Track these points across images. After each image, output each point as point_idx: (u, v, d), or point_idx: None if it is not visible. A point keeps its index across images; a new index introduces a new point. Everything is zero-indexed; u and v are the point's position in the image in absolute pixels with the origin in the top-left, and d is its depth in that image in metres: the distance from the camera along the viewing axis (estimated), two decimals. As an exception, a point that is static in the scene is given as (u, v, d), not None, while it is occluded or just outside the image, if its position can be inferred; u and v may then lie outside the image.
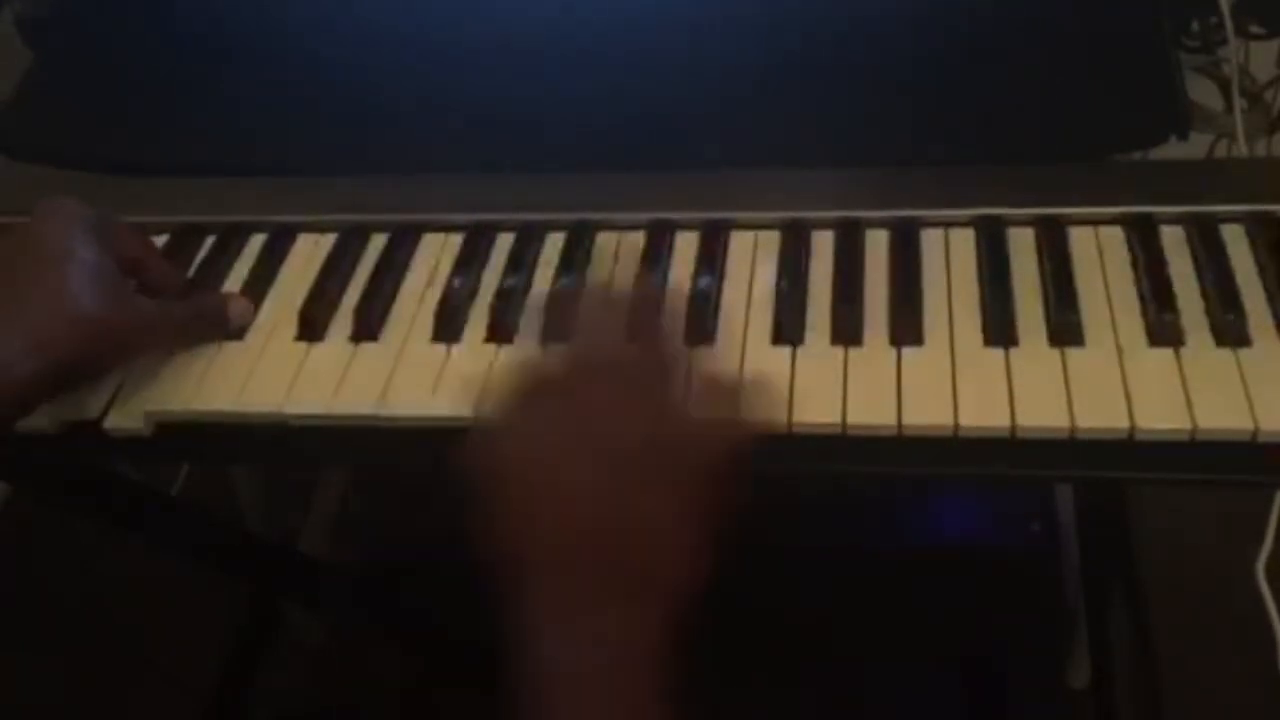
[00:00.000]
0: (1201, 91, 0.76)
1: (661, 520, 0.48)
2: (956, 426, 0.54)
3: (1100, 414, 0.54)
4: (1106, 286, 0.60)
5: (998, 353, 0.57)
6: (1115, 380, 0.55)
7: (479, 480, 0.48)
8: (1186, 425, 0.53)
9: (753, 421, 0.53)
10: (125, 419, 0.60)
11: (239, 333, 0.64)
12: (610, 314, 0.54)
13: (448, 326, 0.62)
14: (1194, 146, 0.71)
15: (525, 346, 0.61)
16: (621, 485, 0.47)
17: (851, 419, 0.55)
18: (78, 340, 0.54)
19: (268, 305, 0.65)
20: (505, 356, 0.60)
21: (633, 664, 0.46)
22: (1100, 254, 0.62)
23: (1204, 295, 0.59)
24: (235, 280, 0.67)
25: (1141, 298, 0.59)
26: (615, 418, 0.49)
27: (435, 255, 0.67)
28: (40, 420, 0.59)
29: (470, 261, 0.66)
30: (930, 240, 0.64)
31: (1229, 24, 0.72)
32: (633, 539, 0.47)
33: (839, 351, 0.58)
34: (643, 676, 0.46)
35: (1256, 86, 0.77)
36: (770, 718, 1.19)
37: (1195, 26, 0.75)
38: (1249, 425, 0.53)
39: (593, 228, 0.67)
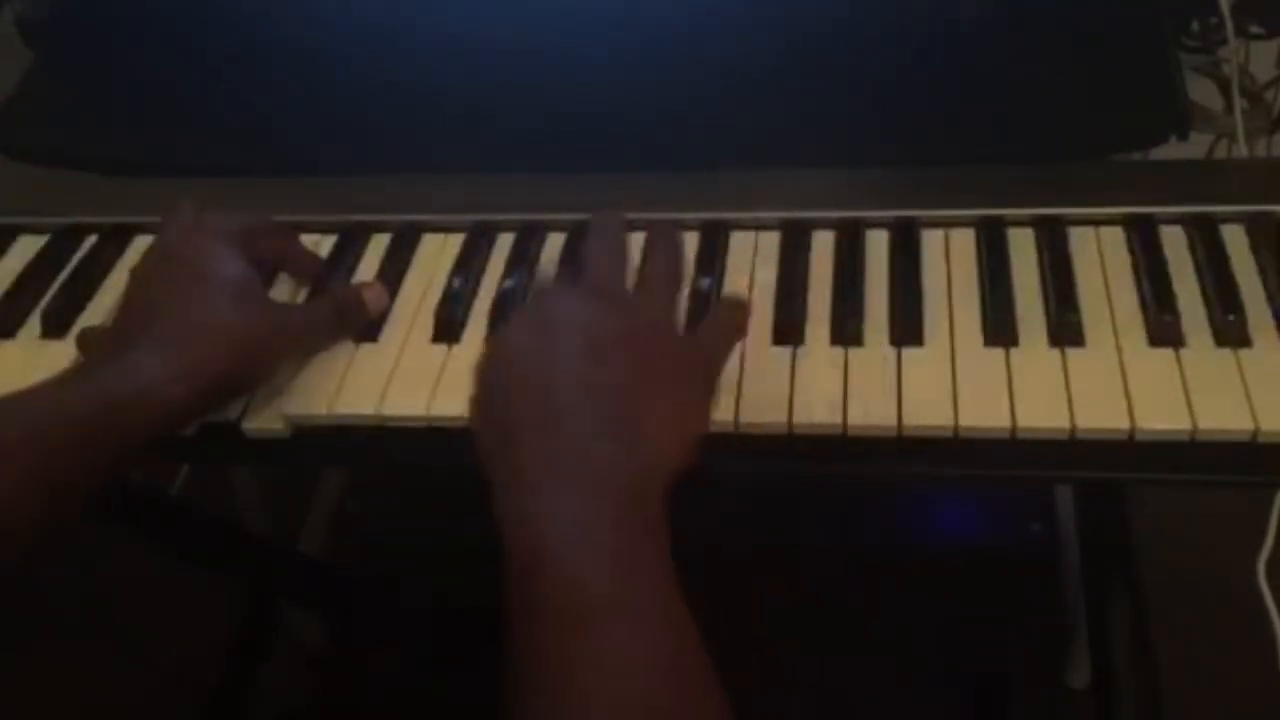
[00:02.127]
0: (1201, 91, 0.76)
1: (638, 389, 0.49)
2: (956, 426, 0.54)
3: (1100, 414, 0.54)
4: (1106, 286, 0.60)
5: (998, 353, 0.57)
6: (1115, 380, 0.55)
7: (479, 373, 0.51)
8: (1186, 425, 0.53)
9: (728, 341, 0.55)
10: (265, 421, 0.58)
11: (378, 322, 0.63)
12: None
13: (448, 326, 0.62)
14: (1194, 146, 0.71)
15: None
16: (595, 362, 0.49)
17: (852, 419, 0.55)
18: (226, 362, 0.55)
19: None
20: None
21: (622, 506, 0.46)
22: (1100, 254, 0.62)
23: (1204, 295, 0.59)
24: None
25: (1141, 298, 0.59)
26: (590, 317, 0.51)
27: (435, 255, 0.67)
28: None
29: (470, 261, 0.66)
30: (930, 240, 0.64)
31: (1229, 24, 0.72)
32: (614, 399, 0.48)
33: (839, 351, 0.58)
34: (636, 518, 0.46)
35: (1256, 86, 0.77)
36: (769, 717, 1.19)
37: (1195, 26, 0.75)
38: (1249, 425, 0.53)
39: (593, 228, 0.67)
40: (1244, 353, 0.56)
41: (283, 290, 0.66)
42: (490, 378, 0.51)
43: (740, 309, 0.57)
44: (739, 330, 0.56)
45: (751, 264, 0.64)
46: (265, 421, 0.58)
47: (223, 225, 0.60)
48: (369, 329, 0.63)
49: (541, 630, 0.43)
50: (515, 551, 0.44)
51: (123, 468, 0.55)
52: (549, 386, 0.49)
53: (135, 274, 0.60)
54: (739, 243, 0.65)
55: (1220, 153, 0.80)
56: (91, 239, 0.70)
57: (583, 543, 0.44)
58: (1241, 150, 0.74)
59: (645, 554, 0.45)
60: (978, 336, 0.58)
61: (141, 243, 0.70)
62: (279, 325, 0.59)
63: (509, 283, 0.64)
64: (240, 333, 0.56)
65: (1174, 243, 0.62)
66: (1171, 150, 0.69)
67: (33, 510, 0.51)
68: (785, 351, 0.59)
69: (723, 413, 0.56)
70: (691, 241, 0.65)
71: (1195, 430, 0.53)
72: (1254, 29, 0.74)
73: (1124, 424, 0.53)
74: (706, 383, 0.53)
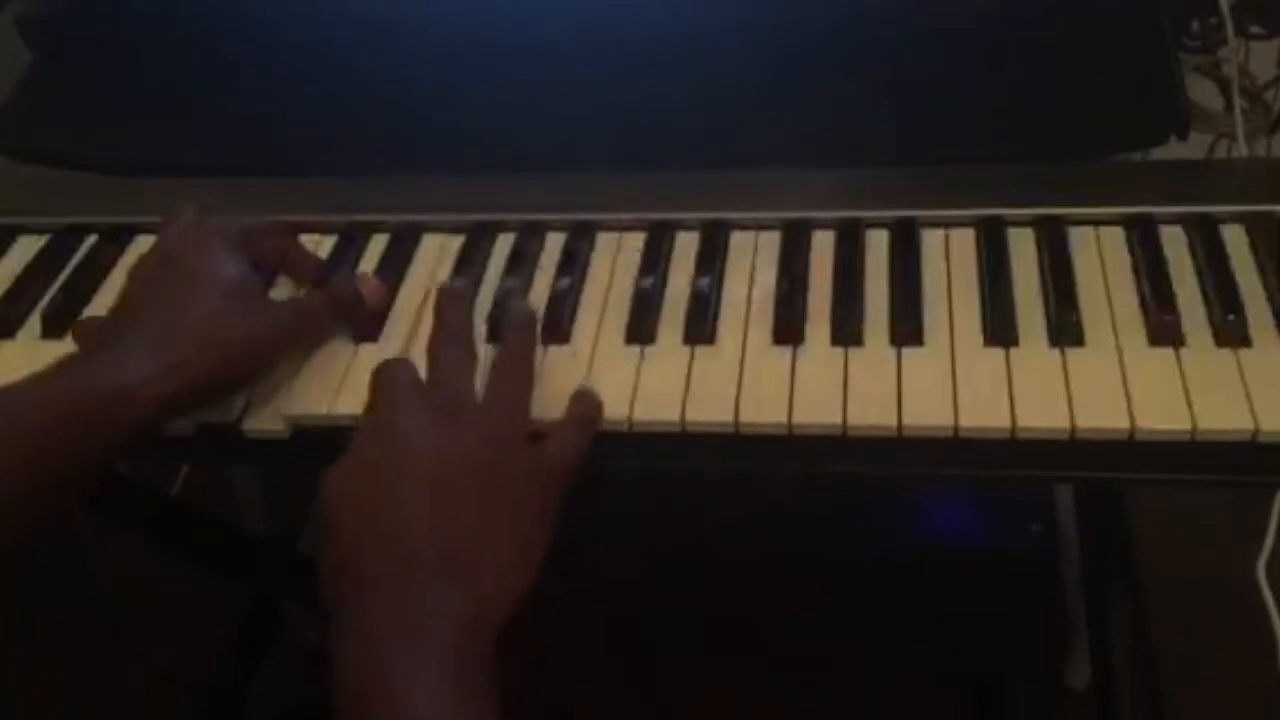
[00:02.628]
0: (1201, 91, 0.76)
1: (485, 527, 0.50)
2: (956, 426, 0.54)
3: (1100, 414, 0.54)
4: (1106, 286, 0.60)
5: (998, 353, 0.57)
6: (1115, 380, 0.55)
7: (329, 502, 0.51)
8: (1186, 425, 0.53)
9: (583, 422, 0.56)
10: (264, 421, 0.59)
11: (378, 317, 0.63)
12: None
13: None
14: (1194, 146, 0.71)
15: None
16: (442, 497, 0.50)
17: (851, 419, 0.55)
18: (216, 359, 0.55)
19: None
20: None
21: (461, 667, 0.47)
22: (1100, 254, 0.62)
23: (1204, 295, 0.59)
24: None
25: (1141, 298, 0.59)
26: (438, 443, 0.52)
27: (435, 255, 0.67)
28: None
29: (470, 261, 0.66)
30: (930, 240, 0.64)
31: (1229, 24, 0.72)
32: (460, 541, 0.49)
33: (839, 351, 0.58)
34: (474, 678, 0.47)
35: (1256, 86, 0.77)
36: (770, 717, 1.19)
37: (1195, 26, 0.75)
38: (1249, 425, 0.53)
39: (593, 228, 0.67)
40: (1244, 353, 0.56)
41: (283, 291, 0.66)
42: (340, 511, 0.51)
43: (592, 402, 0.56)
44: (592, 423, 0.56)
45: (751, 264, 0.64)
46: (264, 422, 0.58)
47: (221, 226, 0.60)
48: (369, 329, 0.63)
49: None
50: (348, 693, 0.45)
51: (112, 461, 0.55)
52: (396, 530, 0.49)
53: (133, 272, 0.60)
54: (739, 243, 0.65)
55: (1220, 153, 0.80)
56: (91, 239, 0.70)
57: (416, 695, 0.45)
58: (1241, 150, 0.74)
59: (478, 704, 0.46)
60: (978, 336, 0.58)
61: (142, 243, 0.70)
62: (273, 323, 0.59)
63: (509, 283, 0.64)
64: (232, 331, 0.56)
65: (1174, 243, 0.62)
66: (1171, 150, 0.69)
67: (20, 503, 0.51)
68: (785, 351, 0.59)
69: (723, 413, 0.56)
70: (691, 241, 0.65)
71: (1195, 430, 0.53)
72: (1254, 29, 0.74)
73: (1124, 424, 0.53)
74: (553, 495, 0.53)
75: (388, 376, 0.56)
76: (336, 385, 0.60)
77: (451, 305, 0.59)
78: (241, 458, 0.63)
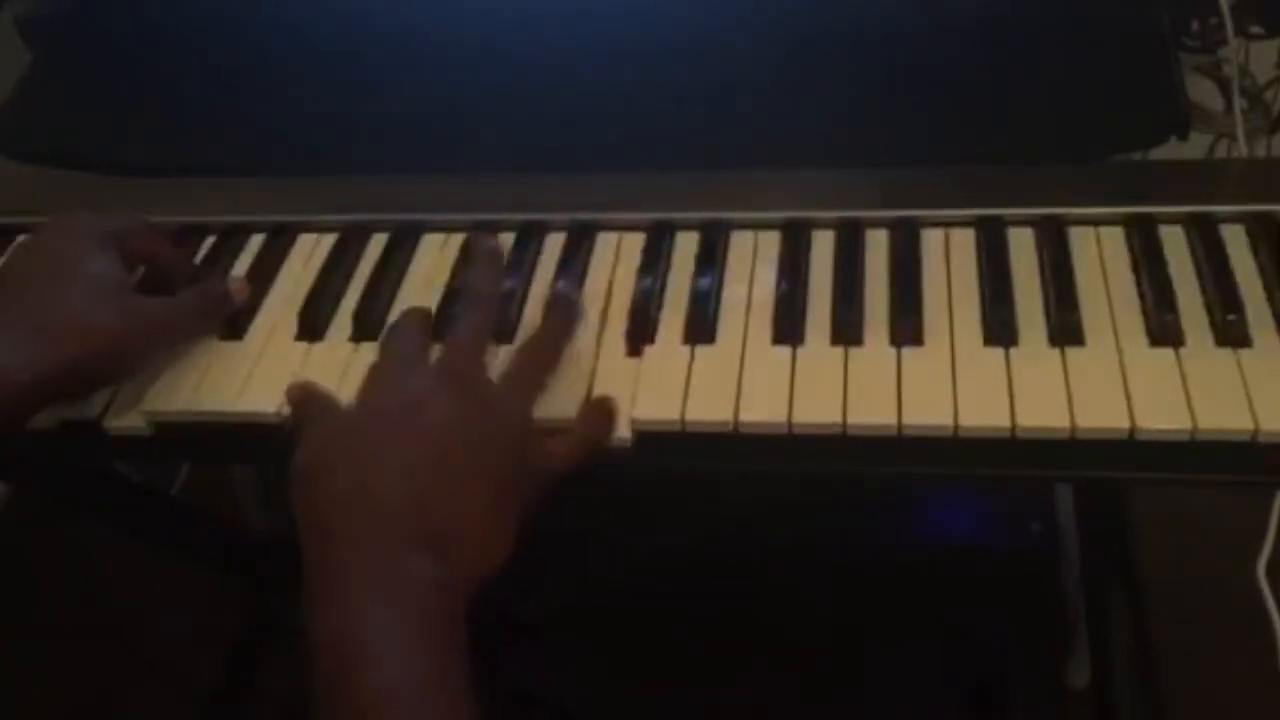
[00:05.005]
0: (1201, 91, 0.76)
1: (465, 501, 0.50)
2: (956, 426, 0.54)
3: (1100, 414, 0.54)
4: (1106, 286, 0.60)
5: (998, 353, 0.57)
6: (1115, 380, 0.55)
7: (303, 455, 0.52)
8: (1186, 425, 0.53)
9: (588, 441, 0.56)
10: (125, 419, 0.60)
11: (244, 317, 0.64)
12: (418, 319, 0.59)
13: (448, 327, 0.62)
14: (1194, 146, 0.71)
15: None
16: (428, 465, 0.50)
17: (851, 418, 0.55)
18: (79, 351, 0.56)
19: (268, 305, 0.65)
20: (506, 356, 0.61)
21: (431, 624, 0.47)
22: (1100, 254, 0.62)
23: (1204, 295, 0.59)
24: (235, 280, 0.67)
25: (1141, 298, 0.59)
26: (435, 409, 0.52)
27: (435, 255, 0.67)
28: (40, 418, 0.59)
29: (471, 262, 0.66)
30: (930, 240, 0.64)
31: (1229, 24, 0.72)
32: (441, 508, 0.50)
33: (839, 351, 0.58)
34: (444, 636, 0.47)
35: (1256, 86, 0.77)
36: (769, 717, 1.19)
37: (1195, 26, 0.75)
38: (1249, 425, 0.53)
39: (593, 228, 0.67)
40: (1244, 353, 0.56)
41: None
42: (323, 454, 0.52)
43: (607, 422, 0.56)
44: (601, 443, 0.56)
45: (751, 264, 0.64)
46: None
47: (91, 224, 0.61)
48: (366, 328, 0.63)
49: None
50: (325, 654, 0.46)
51: None
52: (375, 485, 0.50)
53: (2, 268, 0.61)
54: (739, 243, 0.65)
55: (1220, 153, 0.80)
56: (91, 239, 0.70)
57: (391, 658, 0.45)
58: (1241, 150, 0.74)
59: (449, 668, 0.46)
60: (978, 336, 0.58)
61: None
62: (138, 319, 0.59)
63: (509, 282, 0.64)
64: (93, 326, 0.56)
65: (1174, 243, 0.62)
66: (1171, 150, 0.69)
67: None
68: (785, 351, 0.59)
69: (722, 413, 0.56)
70: (691, 241, 0.65)
71: (1195, 430, 0.53)
72: (1254, 29, 0.74)
73: (1124, 424, 0.53)
74: (538, 494, 0.54)
75: (399, 333, 0.57)
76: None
77: (484, 266, 0.61)
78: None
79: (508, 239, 0.67)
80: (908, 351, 0.58)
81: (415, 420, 0.52)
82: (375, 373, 0.56)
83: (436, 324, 0.61)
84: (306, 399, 0.57)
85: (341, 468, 0.51)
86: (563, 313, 0.60)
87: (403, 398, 0.53)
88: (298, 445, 0.53)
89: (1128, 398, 0.54)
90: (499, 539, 0.51)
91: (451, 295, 0.64)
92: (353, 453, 0.51)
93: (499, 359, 0.58)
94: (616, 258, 0.65)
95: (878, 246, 0.64)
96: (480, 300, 0.59)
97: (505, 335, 0.61)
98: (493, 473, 0.51)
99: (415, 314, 0.60)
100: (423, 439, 0.51)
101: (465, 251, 0.66)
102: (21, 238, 0.70)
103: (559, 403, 0.57)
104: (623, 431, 0.56)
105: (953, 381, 0.56)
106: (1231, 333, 0.56)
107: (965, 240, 0.64)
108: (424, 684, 0.45)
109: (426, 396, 0.52)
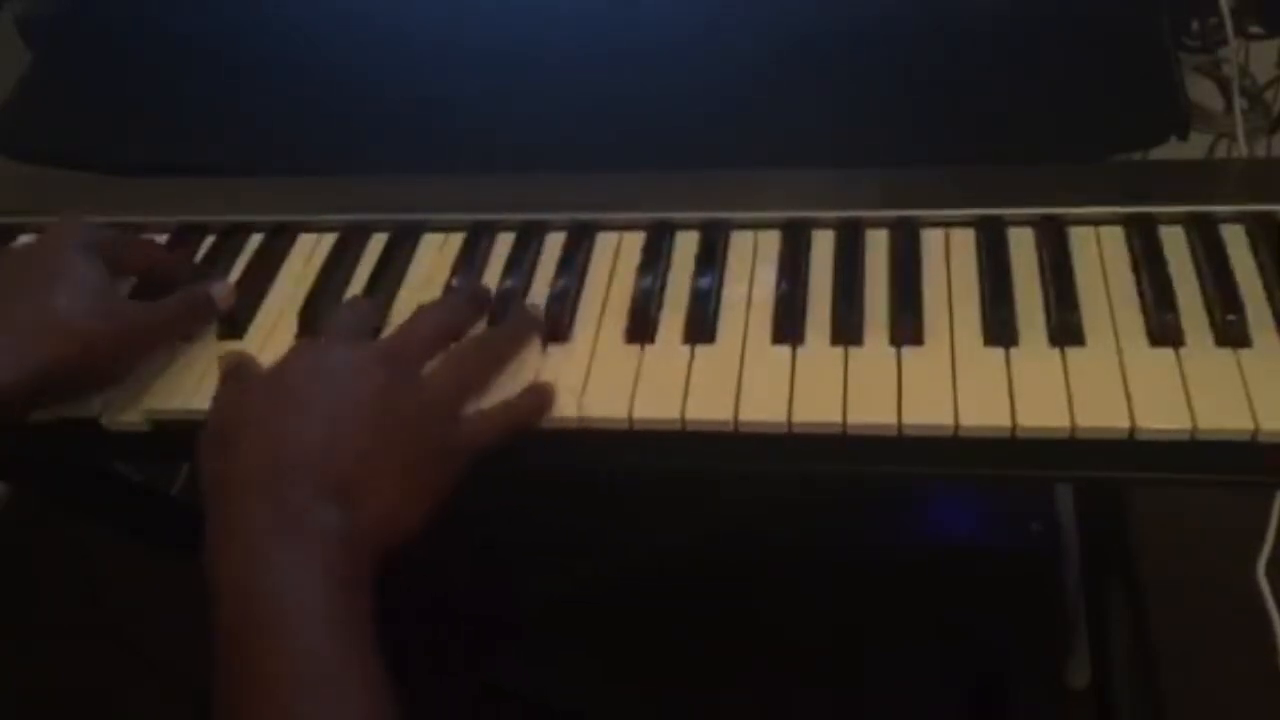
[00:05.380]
0: (1201, 91, 0.76)
1: (375, 460, 0.51)
2: (956, 426, 0.54)
3: (1100, 414, 0.54)
4: (1106, 286, 0.60)
5: (998, 353, 0.57)
6: (1115, 380, 0.55)
7: (216, 411, 0.54)
8: (1186, 425, 0.53)
9: (513, 422, 0.56)
10: (124, 417, 0.60)
11: (244, 317, 0.64)
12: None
13: (410, 318, 0.62)
14: (1194, 146, 0.71)
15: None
16: (342, 424, 0.51)
17: (851, 419, 0.55)
18: (63, 352, 0.56)
19: (268, 304, 0.66)
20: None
21: (335, 570, 0.47)
22: (1100, 254, 0.62)
23: (1204, 295, 0.59)
24: (235, 280, 0.67)
25: (1141, 298, 0.59)
26: (358, 379, 0.53)
27: (435, 255, 0.67)
28: (40, 416, 0.59)
29: (470, 261, 0.66)
30: (930, 240, 0.64)
31: (1229, 24, 0.72)
32: (342, 465, 0.50)
33: (839, 351, 0.58)
34: (346, 590, 0.47)
35: (1256, 86, 0.77)
36: (769, 717, 1.19)
37: (1195, 26, 0.75)
38: (1249, 425, 0.53)
39: (593, 228, 0.67)
40: (1244, 353, 0.56)
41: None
42: (241, 407, 0.53)
43: (536, 401, 0.57)
44: (524, 419, 0.57)
45: (751, 264, 0.64)
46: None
47: (77, 231, 0.61)
48: (362, 326, 0.63)
49: (248, 693, 0.44)
50: (224, 604, 0.46)
51: None
52: (286, 438, 0.50)
53: None
54: (739, 243, 0.65)
55: (1220, 153, 0.80)
56: (91, 239, 0.70)
57: (294, 613, 0.46)
58: (1241, 150, 0.74)
59: (353, 624, 0.47)
60: (978, 336, 0.58)
61: (141, 242, 0.70)
62: (117, 321, 0.59)
63: (509, 283, 0.64)
64: (76, 327, 0.57)
65: (1174, 243, 0.62)
66: (1171, 150, 0.69)
67: None
68: (785, 351, 0.59)
69: (722, 412, 0.56)
70: (691, 241, 0.65)
71: (1195, 430, 0.53)
72: (1254, 29, 0.74)
73: (1124, 424, 0.53)
74: (454, 466, 0.54)
75: (342, 312, 0.60)
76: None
77: (468, 283, 0.63)
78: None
79: (508, 239, 0.67)
80: (908, 351, 0.58)
81: (340, 382, 0.53)
82: (311, 339, 0.58)
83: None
84: (235, 363, 0.58)
85: (258, 419, 0.51)
86: (521, 324, 0.61)
87: (332, 362, 0.54)
88: (214, 402, 0.54)
89: (1128, 398, 0.54)
90: (410, 508, 0.52)
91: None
92: (274, 404, 0.52)
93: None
94: (616, 258, 0.65)
95: (878, 246, 0.64)
96: (455, 308, 0.60)
97: (445, 338, 0.61)
98: (410, 443, 0.52)
99: (365, 300, 0.62)
100: (343, 399, 0.52)
101: (464, 254, 0.66)
102: (22, 238, 0.71)
103: (559, 403, 0.57)
104: (617, 411, 0.56)
105: (953, 381, 0.56)
106: (1231, 333, 0.56)
107: (965, 240, 0.64)
108: (328, 639, 0.45)
109: (358, 366, 0.54)
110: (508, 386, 0.58)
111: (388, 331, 0.63)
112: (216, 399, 0.55)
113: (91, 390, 0.60)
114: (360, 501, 0.50)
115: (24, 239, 0.71)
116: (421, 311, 0.59)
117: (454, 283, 0.64)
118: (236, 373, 0.57)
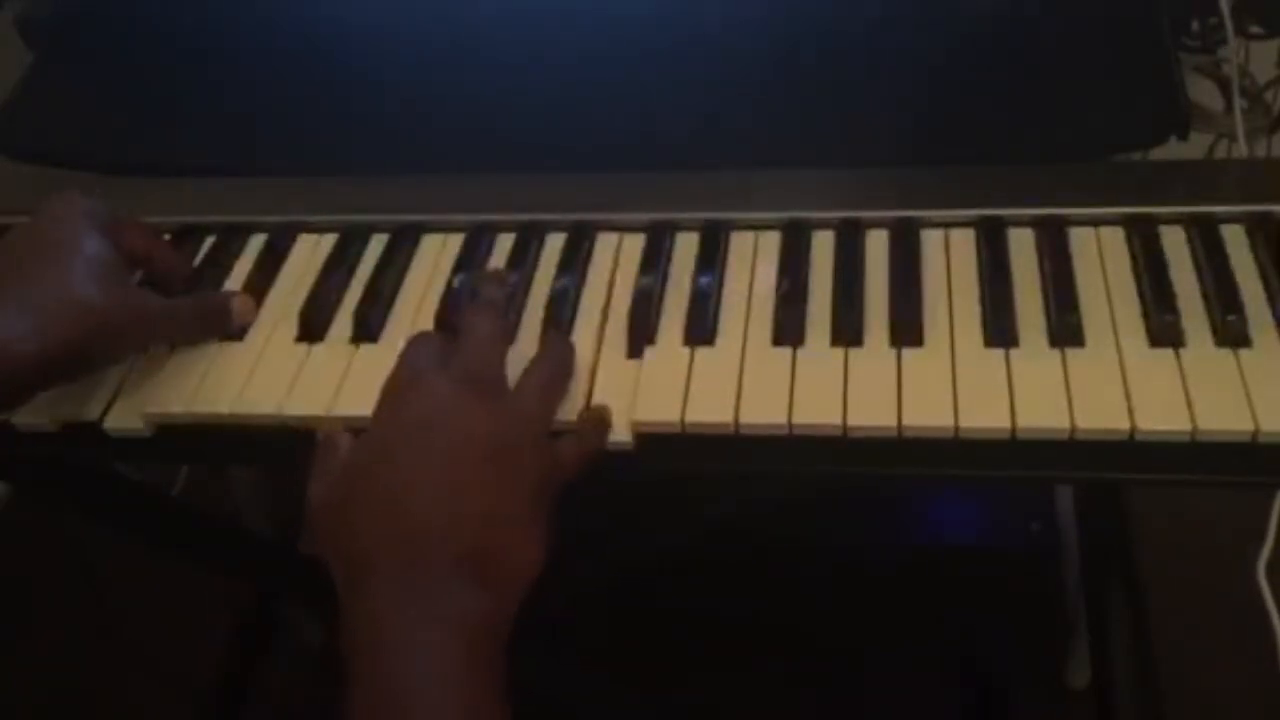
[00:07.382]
0: (1201, 91, 0.76)
1: (500, 514, 0.50)
2: (956, 427, 0.54)
3: (1100, 414, 0.54)
4: (1106, 286, 0.60)
5: (998, 353, 0.57)
6: (1115, 380, 0.55)
7: (322, 487, 0.52)
8: (1186, 426, 0.53)
9: (591, 447, 0.56)
10: (125, 419, 0.60)
11: (240, 332, 0.64)
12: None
13: (448, 327, 0.62)
14: (1194, 146, 0.71)
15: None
16: (460, 481, 0.50)
17: (851, 419, 0.55)
18: (77, 327, 0.55)
19: (268, 305, 0.65)
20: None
21: (479, 650, 0.47)
22: (1100, 254, 0.62)
23: (1204, 295, 0.59)
24: (236, 280, 0.67)
25: (1141, 298, 0.59)
26: (459, 420, 0.51)
27: (435, 255, 0.67)
28: (40, 418, 0.59)
29: (470, 261, 0.66)
30: (930, 240, 0.64)
31: (1229, 24, 0.72)
32: (475, 528, 0.49)
33: (839, 351, 0.58)
34: (487, 662, 0.47)
35: (1256, 86, 0.77)
36: (769, 717, 1.19)
37: (1195, 26, 0.75)
38: (1249, 425, 0.53)
39: (593, 228, 0.67)
40: (1244, 353, 0.56)
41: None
42: (346, 481, 0.51)
43: (603, 422, 0.56)
44: (604, 438, 0.56)
45: (751, 264, 0.64)
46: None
47: (86, 207, 0.60)
48: (366, 329, 0.63)
49: None
50: (366, 687, 0.46)
51: None
52: (408, 508, 0.49)
53: (2, 245, 0.61)
54: (739, 243, 0.65)
55: (1220, 153, 0.80)
56: (91, 239, 0.70)
57: (434, 690, 0.45)
58: (1241, 150, 0.74)
59: (491, 700, 0.46)
60: (978, 337, 0.58)
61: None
62: (135, 306, 0.59)
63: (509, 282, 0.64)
64: (94, 303, 0.56)
65: (1174, 243, 0.62)
66: (1171, 150, 0.69)
67: None
68: (785, 351, 0.59)
69: (722, 413, 0.56)
70: (691, 241, 0.65)
71: (1195, 430, 0.53)
72: (1254, 29, 0.74)
73: (1124, 424, 0.53)
74: (555, 494, 0.53)
75: (413, 349, 0.56)
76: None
77: (490, 281, 0.61)
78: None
79: (508, 239, 0.67)
80: (908, 352, 0.58)
81: (438, 434, 0.51)
82: (391, 387, 0.55)
83: (441, 328, 0.61)
84: (325, 440, 0.56)
85: (368, 494, 0.50)
86: (556, 341, 0.60)
87: (421, 411, 0.52)
88: (311, 478, 0.52)
89: (1128, 398, 0.54)
90: (534, 546, 0.50)
91: (450, 294, 0.64)
92: (378, 477, 0.50)
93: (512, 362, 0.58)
94: (616, 258, 0.65)
95: (878, 246, 0.64)
96: (489, 305, 0.59)
97: (505, 337, 0.61)
98: (523, 480, 0.51)
99: (430, 334, 0.59)
100: (450, 455, 0.50)
101: (464, 255, 0.67)
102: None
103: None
104: (621, 435, 0.56)
105: (953, 382, 0.56)
106: (1231, 333, 0.56)
107: (965, 240, 0.64)
108: (467, 715, 0.45)
109: (447, 406, 0.52)
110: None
111: (396, 324, 0.63)
112: (314, 474, 0.53)
113: (100, 369, 0.59)
114: (496, 567, 0.48)
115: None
116: (472, 317, 0.57)
117: (472, 276, 0.64)
118: (332, 441, 0.55)
